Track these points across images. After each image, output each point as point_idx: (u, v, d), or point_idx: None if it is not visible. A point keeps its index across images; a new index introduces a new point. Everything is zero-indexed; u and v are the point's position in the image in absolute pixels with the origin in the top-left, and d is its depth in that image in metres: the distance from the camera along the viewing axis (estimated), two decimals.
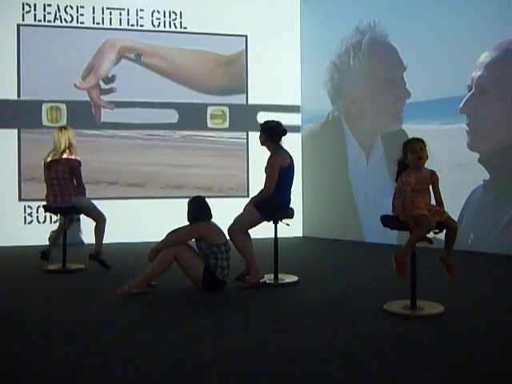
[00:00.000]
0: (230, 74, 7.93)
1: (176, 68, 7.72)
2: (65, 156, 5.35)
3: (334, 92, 7.79)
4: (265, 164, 4.61)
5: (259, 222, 4.54)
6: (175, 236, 4.34)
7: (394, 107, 7.06)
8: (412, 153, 3.56)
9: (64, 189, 5.32)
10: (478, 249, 6.17)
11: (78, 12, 7.45)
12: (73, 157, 5.40)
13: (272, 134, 4.60)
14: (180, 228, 4.39)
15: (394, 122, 7.07)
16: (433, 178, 3.62)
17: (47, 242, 6.00)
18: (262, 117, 7.45)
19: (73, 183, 5.39)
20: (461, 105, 6.27)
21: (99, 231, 5.51)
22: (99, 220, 5.52)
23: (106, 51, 7.47)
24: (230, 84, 7.92)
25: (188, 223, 4.42)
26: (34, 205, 7.10)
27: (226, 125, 7.93)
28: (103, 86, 7.55)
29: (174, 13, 7.77)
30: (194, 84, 7.78)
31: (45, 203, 5.46)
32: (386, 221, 3.78)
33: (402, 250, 3.59)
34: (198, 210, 4.41)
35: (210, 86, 7.83)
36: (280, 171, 4.49)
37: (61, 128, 5.49)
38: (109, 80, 7.49)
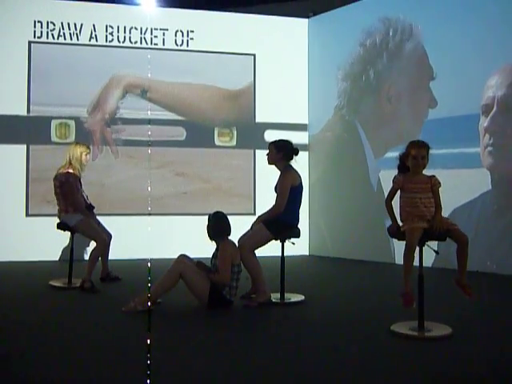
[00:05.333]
0: (237, 108, 7.97)
1: (180, 103, 7.78)
2: (61, 171, 5.25)
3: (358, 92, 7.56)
4: (273, 183, 4.63)
5: (268, 241, 4.55)
6: (223, 272, 4.23)
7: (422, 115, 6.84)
8: (413, 158, 3.57)
9: (60, 204, 5.26)
10: (492, 270, 6.00)
11: (89, 30, 7.54)
12: (68, 170, 5.20)
13: (289, 152, 4.63)
14: (221, 264, 4.25)
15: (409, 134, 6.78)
16: (431, 181, 3.57)
17: (53, 258, 5.93)
18: (270, 135, 7.48)
19: (65, 199, 5.19)
20: (485, 124, 6.16)
21: (92, 254, 5.18)
22: (95, 242, 5.23)
23: (112, 88, 7.57)
24: (236, 117, 7.95)
25: (208, 237, 4.41)
26: (42, 220, 7.09)
27: (234, 143, 7.96)
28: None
29: (184, 32, 7.84)
30: (199, 117, 7.82)
31: None
32: (391, 231, 3.77)
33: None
34: (221, 225, 4.40)
35: (216, 120, 7.87)
36: (290, 190, 4.52)
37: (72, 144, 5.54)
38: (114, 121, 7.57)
